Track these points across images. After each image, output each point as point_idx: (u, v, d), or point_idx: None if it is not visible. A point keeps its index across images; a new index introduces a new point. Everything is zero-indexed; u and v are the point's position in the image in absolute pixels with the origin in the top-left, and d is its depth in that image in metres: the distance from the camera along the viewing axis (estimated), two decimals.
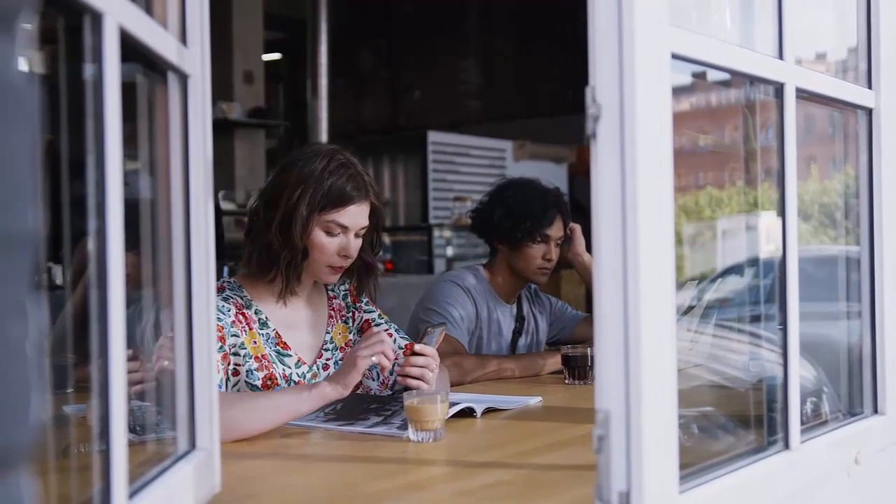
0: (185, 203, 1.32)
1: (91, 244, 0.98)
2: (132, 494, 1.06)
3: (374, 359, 1.94)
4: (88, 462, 1.23)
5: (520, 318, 3.08)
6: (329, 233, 2.14)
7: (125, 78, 1.02)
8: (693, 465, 1.28)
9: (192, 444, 1.33)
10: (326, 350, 2.27)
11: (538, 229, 2.91)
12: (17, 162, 0.51)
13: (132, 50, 1.08)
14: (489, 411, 2.12)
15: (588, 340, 2.87)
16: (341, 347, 2.30)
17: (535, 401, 2.29)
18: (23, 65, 0.54)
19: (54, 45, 1.04)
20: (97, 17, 0.96)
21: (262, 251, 2.15)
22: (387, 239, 7.48)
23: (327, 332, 2.29)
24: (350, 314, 2.35)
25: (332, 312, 2.32)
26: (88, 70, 0.98)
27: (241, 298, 2.17)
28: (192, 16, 1.33)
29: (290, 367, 2.16)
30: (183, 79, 1.30)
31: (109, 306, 0.97)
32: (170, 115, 1.30)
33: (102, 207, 0.97)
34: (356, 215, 2.16)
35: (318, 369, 2.23)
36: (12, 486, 0.52)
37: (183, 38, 1.31)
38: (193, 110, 1.32)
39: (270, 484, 1.57)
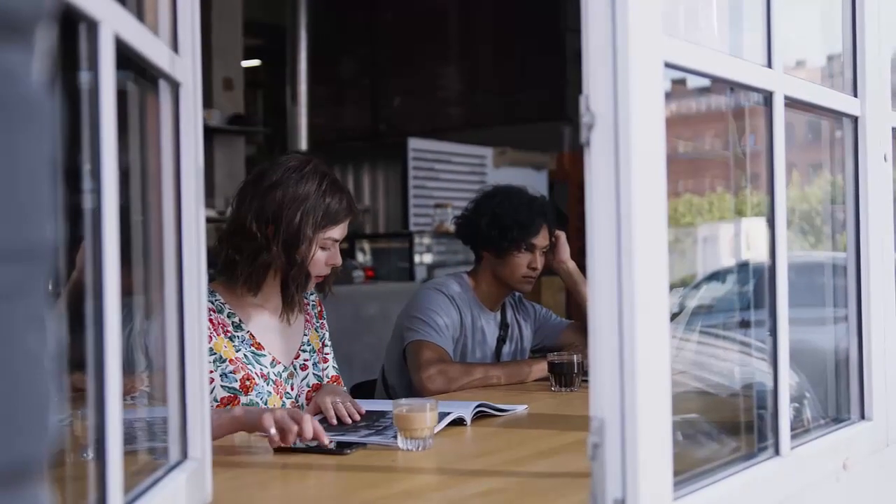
0: (176, 211, 1.31)
1: (86, 252, 0.97)
2: None
3: (272, 431, 1.78)
4: (77, 471, 1.22)
5: (504, 326, 3.08)
6: (324, 248, 2.24)
7: (116, 86, 1.01)
8: (686, 471, 1.28)
9: (184, 454, 1.32)
10: (304, 351, 2.36)
11: (525, 238, 2.91)
12: (36, 173, 0.51)
13: (124, 57, 1.08)
14: (480, 416, 2.12)
15: (573, 347, 2.88)
16: (318, 350, 2.40)
17: (521, 409, 2.29)
18: (40, 76, 0.54)
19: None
20: (93, 26, 0.95)
21: (263, 270, 2.21)
22: (367, 246, 7.47)
23: (304, 335, 2.37)
24: (319, 324, 2.46)
25: (308, 317, 2.41)
26: (83, 77, 0.97)
27: (213, 303, 2.21)
28: (184, 24, 1.32)
29: (266, 367, 2.23)
30: (175, 87, 1.30)
31: (105, 315, 0.96)
32: (161, 122, 1.30)
33: (98, 215, 0.96)
34: (345, 228, 2.28)
35: (294, 369, 2.31)
36: (31, 497, 0.52)
37: (174, 46, 1.30)
38: (185, 118, 1.31)
39: (261, 494, 1.57)
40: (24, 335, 0.51)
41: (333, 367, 2.46)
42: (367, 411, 2.18)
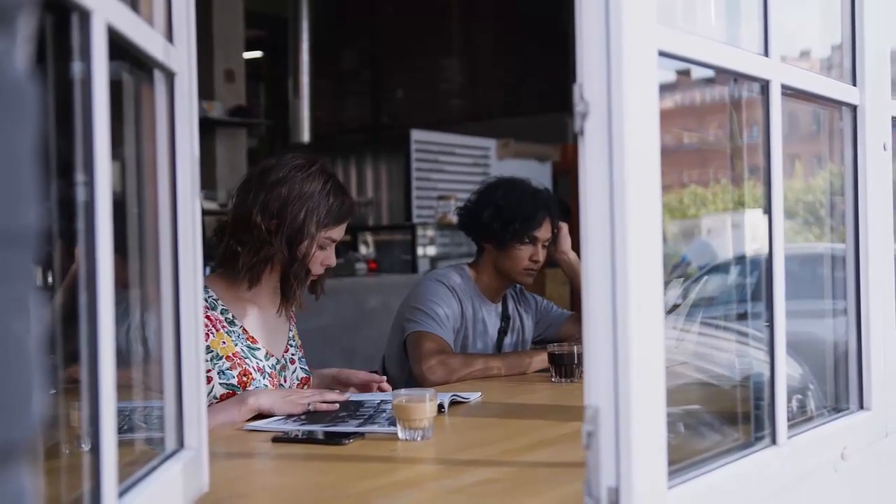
0: (171, 203, 1.31)
1: (79, 245, 0.97)
2: (121, 494, 1.05)
3: (310, 407, 2.08)
4: (73, 462, 1.22)
5: (505, 317, 3.08)
6: (322, 247, 2.27)
7: (110, 76, 1.01)
8: (682, 460, 1.28)
9: (181, 444, 1.32)
10: (291, 346, 2.40)
11: (527, 231, 2.90)
12: (19, 160, 0.51)
13: (118, 48, 1.07)
14: (453, 404, 2.17)
15: (574, 339, 2.88)
16: (300, 346, 2.45)
17: (476, 396, 2.32)
18: (23, 63, 0.54)
19: (40, 43, 1.03)
20: (85, 15, 0.95)
21: (264, 263, 2.23)
22: (370, 238, 7.47)
23: (290, 330, 2.42)
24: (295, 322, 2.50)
25: (291, 314, 2.45)
26: (76, 68, 0.97)
27: (206, 300, 2.22)
28: (179, 13, 1.32)
29: (261, 360, 2.26)
30: (170, 77, 1.30)
31: (98, 307, 0.96)
32: (156, 113, 1.30)
33: (91, 207, 0.96)
34: (343, 230, 2.32)
35: (285, 362, 2.36)
36: (14, 480, 0.52)
37: (169, 36, 1.30)
38: (180, 109, 1.31)
39: (258, 484, 1.57)
40: (8, 319, 0.51)
41: (303, 368, 2.45)
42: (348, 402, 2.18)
